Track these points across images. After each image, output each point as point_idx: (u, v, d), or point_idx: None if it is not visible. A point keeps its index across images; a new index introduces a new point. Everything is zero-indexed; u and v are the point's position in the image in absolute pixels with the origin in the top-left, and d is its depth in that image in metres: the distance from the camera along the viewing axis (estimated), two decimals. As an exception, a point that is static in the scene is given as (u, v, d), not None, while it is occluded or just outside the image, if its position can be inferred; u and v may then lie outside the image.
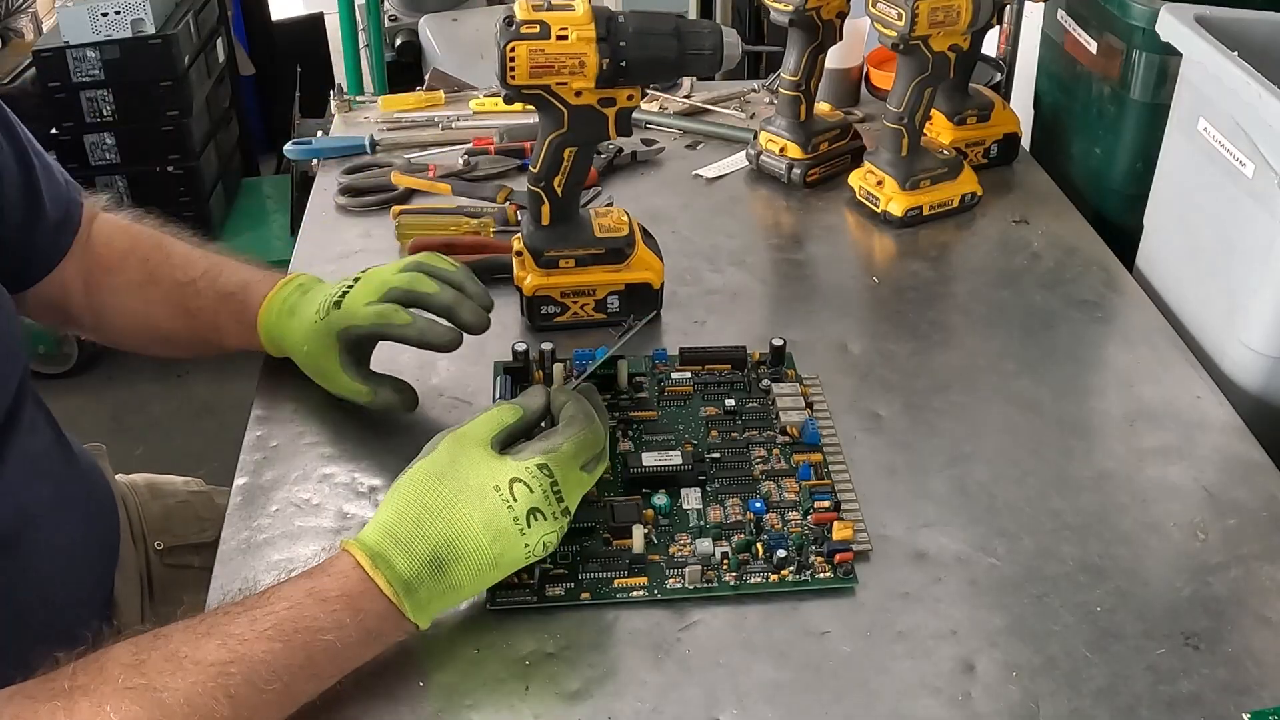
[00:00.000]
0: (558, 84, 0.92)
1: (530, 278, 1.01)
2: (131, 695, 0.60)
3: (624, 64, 0.91)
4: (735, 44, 0.94)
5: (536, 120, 0.96)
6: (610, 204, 1.19)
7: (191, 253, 0.98)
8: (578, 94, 0.93)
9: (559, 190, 0.98)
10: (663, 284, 1.04)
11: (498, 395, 0.92)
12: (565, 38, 0.90)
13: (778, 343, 0.95)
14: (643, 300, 1.02)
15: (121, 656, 0.63)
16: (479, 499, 0.69)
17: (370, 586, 0.67)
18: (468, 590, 0.70)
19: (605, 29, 0.91)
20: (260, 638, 0.63)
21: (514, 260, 1.03)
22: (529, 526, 0.70)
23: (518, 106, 1.41)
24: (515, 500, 0.69)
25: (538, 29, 0.90)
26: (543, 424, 0.77)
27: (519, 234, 1.02)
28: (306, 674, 0.65)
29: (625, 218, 1.02)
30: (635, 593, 0.76)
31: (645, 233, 1.04)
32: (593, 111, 0.94)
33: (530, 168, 0.98)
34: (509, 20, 0.91)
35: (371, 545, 0.68)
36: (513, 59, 0.91)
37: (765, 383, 0.93)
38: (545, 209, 0.99)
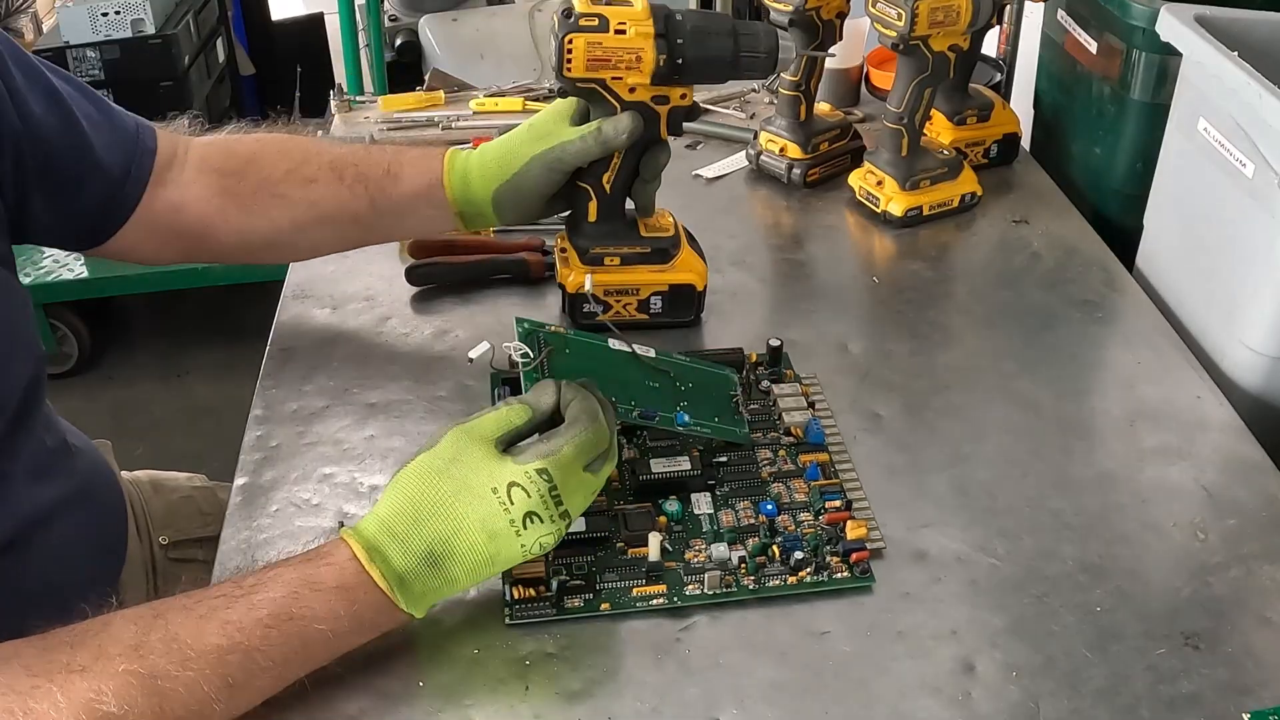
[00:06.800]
0: (613, 79, 0.92)
1: (574, 275, 0.99)
2: (132, 681, 0.61)
3: (680, 61, 0.92)
4: (789, 48, 0.94)
5: None
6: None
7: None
8: (632, 90, 0.93)
9: (607, 187, 0.97)
10: (705, 288, 1.02)
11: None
12: (624, 32, 0.90)
13: (774, 343, 0.95)
14: (684, 302, 1.01)
15: (122, 635, 0.63)
16: (477, 499, 0.70)
17: (365, 579, 0.68)
18: (463, 584, 0.71)
19: (663, 26, 0.91)
20: (257, 625, 0.65)
21: (557, 257, 1.02)
22: (525, 529, 0.70)
23: (518, 106, 1.42)
24: (512, 504, 0.70)
25: (596, 22, 0.90)
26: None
27: (562, 231, 1.01)
28: (299, 659, 0.67)
29: (671, 219, 1.02)
30: (655, 601, 0.76)
31: (690, 236, 1.04)
32: (646, 109, 0.94)
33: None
34: (568, 12, 0.91)
35: (368, 538, 0.69)
36: (570, 51, 0.90)
37: (765, 384, 0.93)
38: (593, 206, 0.98)
